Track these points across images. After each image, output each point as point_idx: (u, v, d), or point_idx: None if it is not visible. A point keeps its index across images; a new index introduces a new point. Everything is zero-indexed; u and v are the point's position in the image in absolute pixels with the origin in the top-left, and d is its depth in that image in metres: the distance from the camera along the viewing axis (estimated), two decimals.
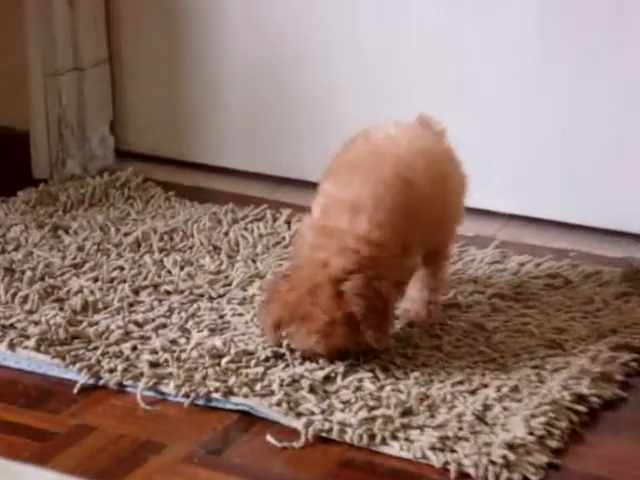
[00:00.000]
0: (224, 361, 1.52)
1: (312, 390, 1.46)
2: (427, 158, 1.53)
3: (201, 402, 1.46)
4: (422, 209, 1.50)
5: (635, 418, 1.44)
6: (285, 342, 1.52)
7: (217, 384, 1.46)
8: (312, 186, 2.07)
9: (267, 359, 1.53)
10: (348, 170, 1.52)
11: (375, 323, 1.45)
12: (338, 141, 2.08)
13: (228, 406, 1.45)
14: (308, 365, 1.50)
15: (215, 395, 1.45)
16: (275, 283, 1.51)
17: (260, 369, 1.50)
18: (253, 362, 1.51)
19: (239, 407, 1.44)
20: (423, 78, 1.95)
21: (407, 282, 1.55)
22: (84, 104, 2.12)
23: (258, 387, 1.46)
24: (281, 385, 1.46)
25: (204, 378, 1.48)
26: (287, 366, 1.51)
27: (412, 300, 1.59)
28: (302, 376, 1.48)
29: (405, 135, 1.55)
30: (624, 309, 1.65)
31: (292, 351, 1.52)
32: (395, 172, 1.49)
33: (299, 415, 1.41)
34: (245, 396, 1.45)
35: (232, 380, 1.47)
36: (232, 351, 1.53)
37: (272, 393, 1.45)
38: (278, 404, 1.43)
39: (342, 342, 1.47)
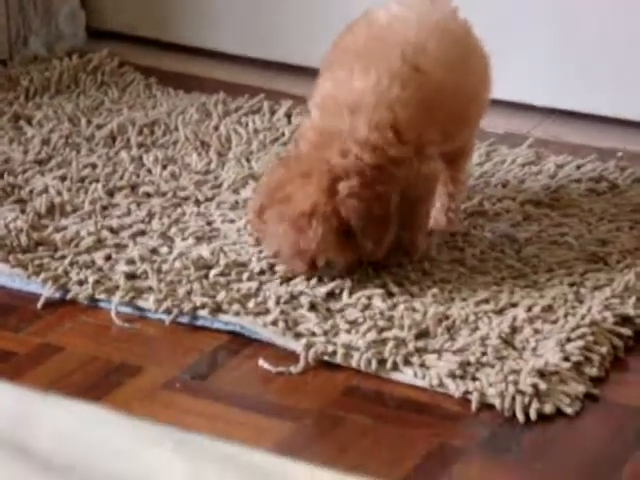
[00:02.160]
0: (212, 273, 1.51)
1: (313, 308, 1.45)
2: (440, 39, 1.50)
3: (185, 320, 1.45)
4: (436, 100, 1.47)
5: None
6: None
7: (204, 299, 1.46)
8: (316, 74, 2.06)
9: (262, 272, 1.52)
10: (348, 60, 1.49)
11: (373, 232, 1.44)
12: (345, 21, 2.05)
13: (216, 325, 1.44)
14: (309, 280, 1.49)
15: (201, 312, 1.45)
16: (270, 168, 1.50)
17: (254, 283, 1.49)
18: (246, 275, 1.51)
19: (229, 326, 1.44)
20: None
21: (432, 193, 1.52)
22: None
23: (251, 304, 1.45)
24: (277, 302, 1.46)
25: (189, 293, 1.47)
26: (285, 281, 1.50)
27: None
28: (302, 292, 1.48)
29: (413, 13, 1.51)
30: None
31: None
32: (402, 58, 1.46)
33: (298, 336, 1.40)
34: (236, 314, 1.44)
35: (221, 295, 1.46)
36: (221, 262, 1.52)
37: (267, 311, 1.44)
38: (274, 323, 1.42)
39: (317, 245, 1.44)
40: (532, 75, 1.92)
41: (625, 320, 1.43)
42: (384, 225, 1.45)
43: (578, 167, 1.77)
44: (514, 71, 1.89)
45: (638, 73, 1.86)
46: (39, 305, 1.48)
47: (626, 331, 1.42)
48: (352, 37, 1.52)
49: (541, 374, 1.33)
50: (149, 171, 1.76)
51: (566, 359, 1.36)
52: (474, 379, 1.34)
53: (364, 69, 1.47)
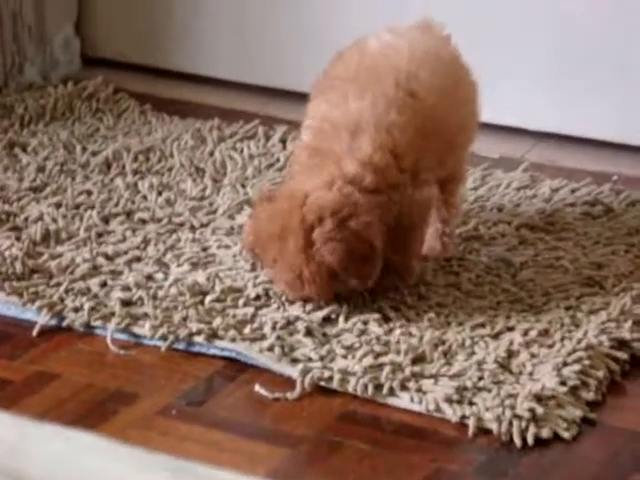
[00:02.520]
0: (208, 299, 1.51)
1: (309, 333, 1.45)
2: (432, 65, 1.51)
3: (181, 346, 1.45)
4: (431, 126, 1.48)
5: None
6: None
7: (200, 326, 1.46)
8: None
9: (257, 298, 1.52)
10: (341, 85, 1.50)
11: (357, 270, 1.44)
12: (339, 46, 2.06)
13: (212, 351, 1.44)
14: (305, 305, 1.49)
15: (197, 338, 1.45)
16: (258, 201, 1.51)
17: (249, 309, 1.49)
18: (241, 301, 1.51)
19: (225, 353, 1.44)
20: None
21: (426, 219, 1.53)
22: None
23: (247, 330, 1.45)
24: (274, 328, 1.46)
25: (184, 319, 1.47)
26: (281, 306, 1.50)
27: None
28: (298, 317, 1.48)
29: (404, 40, 1.52)
30: None
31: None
32: (396, 84, 1.47)
33: (294, 361, 1.40)
34: (232, 340, 1.44)
35: (217, 321, 1.46)
36: (217, 288, 1.52)
37: (263, 337, 1.44)
38: (270, 349, 1.42)
39: (317, 294, 1.47)
40: (526, 99, 1.93)
41: (621, 344, 1.43)
42: (368, 261, 1.44)
43: (573, 191, 1.78)
44: (508, 95, 1.90)
45: (631, 97, 1.87)
46: (34, 333, 1.48)
47: (622, 355, 1.42)
48: (343, 65, 1.52)
49: (538, 398, 1.33)
50: (144, 197, 1.76)
51: (563, 383, 1.36)
52: (471, 404, 1.34)
53: (359, 93, 1.47)
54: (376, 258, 1.45)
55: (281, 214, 1.46)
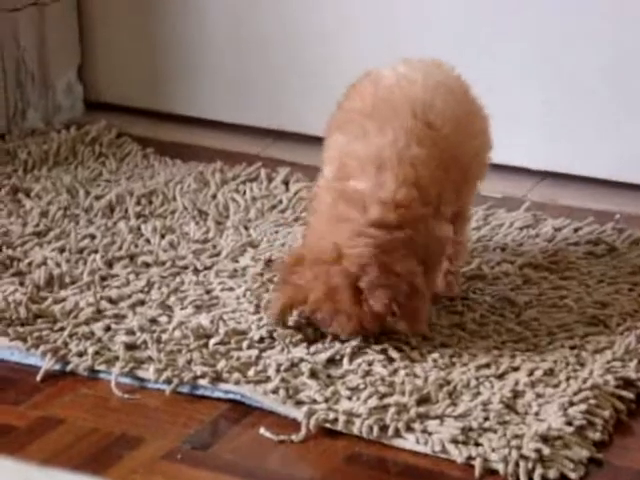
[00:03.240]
0: (212, 342, 1.51)
1: (314, 375, 1.45)
2: (445, 97, 1.52)
3: (185, 390, 1.45)
4: (449, 158, 1.48)
5: None
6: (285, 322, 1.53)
7: (204, 369, 1.46)
8: (313, 140, 2.07)
9: (261, 340, 1.52)
10: (359, 119, 1.50)
11: (406, 313, 1.44)
12: (340, 87, 2.07)
13: (216, 394, 1.44)
14: (309, 347, 1.49)
15: (202, 381, 1.45)
16: (288, 265, 1.50)
17: (254, 352, 1.49)
18: (245, 343, 1.51)
19: (229, 395, 1.44)
20: (438, 23, 1.94)
21: (443, 256, 1.53)
22: (46, 45, 2.11)
23: (251, 372, 1.45)
24: (278, 370, 1.46)
25: (189, 362, 1.47)
26: (285, 348, 1.50)
27: None
28: (302, 359, 1.48)
29: (418, 72, 1.53)
30: None
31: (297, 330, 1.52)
32: (413, 116, 1.48)
33: (299, 404, 1.40)
34: (236, 382, 1.44)
35: (221, 364, 1.46)
36: (221, 331, 1.53)
37: (268, 379, 1.44)
38: (274, 391, 1.42)
39: (375, 331, 1.48)
40: (527, 138, 1.94)
41: (627, 383, 1.43)
42: (413, 299, 1.44)
43: (576, 230, 1.78)
44: (510, 135, 1.90)
45: (632, 136, 1.88)
46: (38, 378, 1.48)
47: (628, 394, 1.42)
48: (359, 98, 1.53)
49: (544, 439, 1.33)
50: (147, 241, 1.77)
51: (569, 423, 1.36)
52: (477, 444, 1.33)
53: (378, 127, 1.48)
54: (420, 294, 1.45)
55: (321, 275, 1.45)
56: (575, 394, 1.40)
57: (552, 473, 1.30)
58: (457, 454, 1.33)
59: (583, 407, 1.38)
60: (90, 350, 1.50)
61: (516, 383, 1.43)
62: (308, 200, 1.71)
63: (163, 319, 1.57)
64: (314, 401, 1.41)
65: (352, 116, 1.52)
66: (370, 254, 1.43)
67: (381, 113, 1.49)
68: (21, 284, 1.64)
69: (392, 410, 1.38)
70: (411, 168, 1.45)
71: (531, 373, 1.45)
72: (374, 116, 1.49)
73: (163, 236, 1.78)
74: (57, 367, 1.49)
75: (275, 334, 1.52)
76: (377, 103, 1.50)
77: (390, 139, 1.46)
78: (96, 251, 1.73)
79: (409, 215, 1.45)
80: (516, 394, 1.41)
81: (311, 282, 1.46)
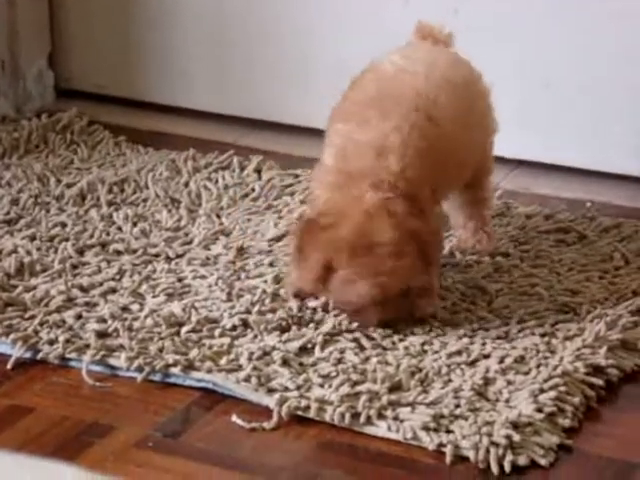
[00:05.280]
0: (184, 330, 1.51)
1: (286, 363, 1.45)
2: (449, 89, 1.53)
3: (157, 378, 1.45)
4: (450, 153, 1.50)
5: None
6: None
7: (176, 357, 1.46)
8: (286, 129, 2.08)
9: (234, 328, 1.52)
10: (362, 110, 1.50)
11: (433, 255, 1.47)
12: (314, 77, 2.07)
13: (188, 382, 1.44)
14: (281, 335, 1.50)
15: (173, 370, 1.45)
16: (307, 224, 1.48)
17: (226, 340, 1.49)
18: (217, 332, 1.51)
19: (201, 384, 1.44)
20: (417, 9, 1.94)
21: (442, 250, 1.55)
22: (17, 33, 2.10)
23: (223, 361, 1.45)
24: (250, 358, 1.46)
25: (160, 350, 1.47)
26: (257, 336, 1.50)
27: (459, 227, 1.65)
28: (274, 347, 1.48)
29: (419, 64, 1.55)
30: None
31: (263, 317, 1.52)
32: (416, 109, 1.49)
33: (271, 391, 1.41)
34: (208, 371, 1.44)
35: (193, 352, 1.46)
36: (193, 319, 1.53)
37: (240, 367, 1.44)
38: (246, 379, 1.42)
39: (407, 280, 1.45)
40: (501, 127, 1.94)
41: (597, 370, 1.44)
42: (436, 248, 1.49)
43: (547, 218, 1.79)
44: None
45: (604, 125, 1.89)
46: (9, 366, 1.47)
47: (598, 381, 1.43)
48: (362, 90, 1.54)
49: (515, 426, 1.34)
50: (119, 229, 1.76)
51: (539, 410, 1.37)
52: (448, 431, 1.34)
53: (381, 116, 1.48)
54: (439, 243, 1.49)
55: (347, 209, 1.45)
56: (545, 381, 1.41)
57: (522, 459, 1.31)
58: (428, 441, 1.33)
59: (553, 394, 1.39)
60: (61, 338, 1.50)
61: (487, 370, 1.44)
62: (308, 188, 1.70)
63: (135, 307, 1.57)
64: (286, 389, 1.41)
65: (355, 107, 1.52)
66: (396, 193, 1.44)
67: (384, 105, 1.49)
68: None
69: (364, 397, 1.38)
70: (411, 158, 1.46)
71: (502, 360, 1.46)
72: (376, 108, 1.49)
73: (135, 224, 1.77)
74: (28, 355, 1.49)
75: (250, 321, 1.52)
76: (380, 96, 1.50)
77: (393, 127, 1.47)
78: (67, 239, 1.72)
79: (417, 192, 1.46)
80: (487, 381, 1.42)
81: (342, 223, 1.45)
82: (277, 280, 1.60)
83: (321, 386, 1.41)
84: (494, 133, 1.65)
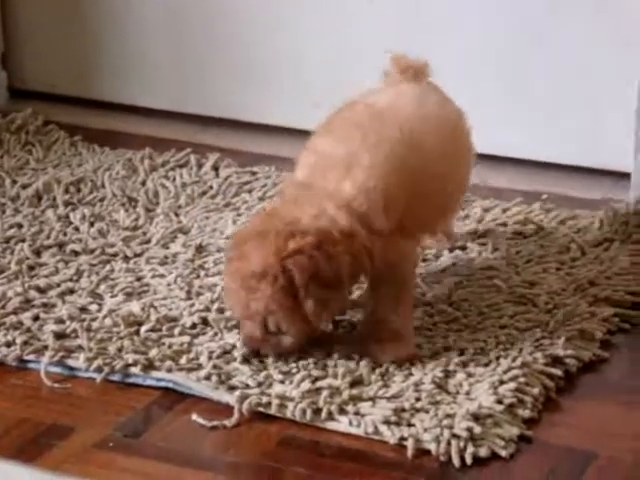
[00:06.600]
0: (143, 329, 1.50)
1: (246, 360, 1.45)
2: (435, 126, 1.51)
3: (117, 378, 1.44)
4: (430, 187, 1.47)
5: (617, 381, 1.45)
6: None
7: (135, 356, 1.45)
8: (243, 126, 2.07)
9: (193, 326, 1.52)
10: (347, 128, 1.47)
11: (317, 291, 1.40)
12: (272, 74, 2.07)
13: (148, 382, 1.44)
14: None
15: (133, 369, 1.44)
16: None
17: (185, 338, 1.49)
18: (177, 330, 1.50)
19: (161, 383, 1.43)
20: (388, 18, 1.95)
21: (414, 279, 1.51)
22: None
23: (183, 360, 1.45)
24: (210, 357, 1.45)
25: (120, 350, 1.47)
26: (217, 334, 1.50)
27: None
28: (234, 346, 1.47)
29: (410, 99, 1.53)
30: (604, 258, 1.67)
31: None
32: (400, 139, 1.46)
33: (232, 389, 1.40)
34: (168, 370, 1.43)
35: (153, 352, 1.46)
36: (152, 318, 1.52)
37: (200, 366, 1.44)
38: (207, 378, 1.42)
39: (266, 305, 1.41)
40: None
41: (555, 360, 1.45)
42: (331, 287, 1.40)
43: (504, 210, 1.80)
44: None
45: (559, 117, 1.90)
46: None
47: (556, 371, 1.44)
48: (351, 112, 1.50)
49: (475, 417, 1.34)
50: (76, 229, 1.75)
51: (499, 402, 1.37)
52: (409, 425, 1.34)
53: (363, 136, 1.45)
54: (341, 289, 1.41)
55: (269, 218, 1.42)
56: (505, 372, 1.41)
57: (483, 451, 1.32)
58: (390, 435, 1.34)
59: (513, 385, 1.39)
60: (19, 340, 1.48)
61: (447, 363, 1.44)
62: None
63: (93, 307, 1.56)
64: (247, 386, 1.41)
65: (340, 124, 1.49)
66: (320, 228, 1.40)
67: (370, 127, 1.46)
68: None
69: (325, 393, 1.38)
70: (380, 179, 1.42)
71: (462, 353, 1.46)
72: (361, 128, 1.46)
73: (92, 224, 1.76)
74: None
75: (210, 319, 1.51)
76: (369, 119, 1.47)
77: (368, 146, 1.44)
78: (24, 240, 1.71)
79: (364, 223, 1.41)
80: (447, 374, 1.42)
81: (249, 238, 1.42)
82: None
83: (282, 382, 1.41)
84: (470, 172, 1.62)
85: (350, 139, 1.45)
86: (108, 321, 1.52)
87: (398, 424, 1.34)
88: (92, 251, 1.69)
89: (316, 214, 1.41)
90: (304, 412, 1.37)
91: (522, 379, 1.40)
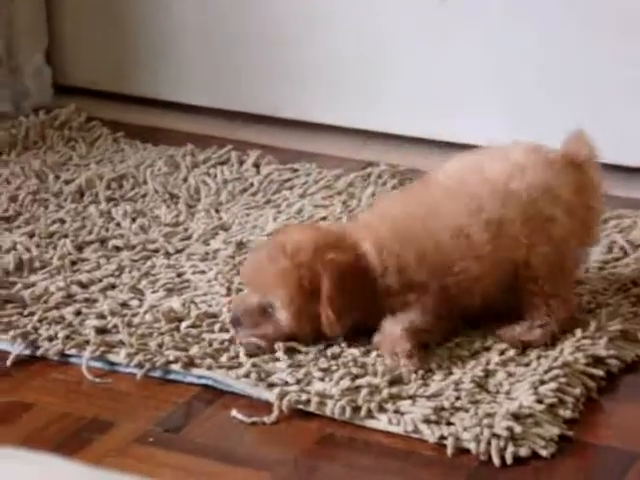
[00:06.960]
0: (183, 325, 1.51)
1: (286, 357, 1.44)
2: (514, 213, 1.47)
3: (157, 374, 1.45)
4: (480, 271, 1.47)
5: None
6: None
7: (176, 353, 1.45)
8: (285, 123, 2.07)
9: None
10: (428, 189, 1.49)
11: (339, 302, 1.43)
12: (312, 72, 2.07)
13: (188, 379, 1.44)
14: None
15: (174, 367, 1.44)
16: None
17: (225, 335, 1.49)
18: (217, 327, 1.51)
19: (201, 380, 1.43)
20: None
21: None
22: (14, 29, 2.09)
23: (224, 358, 1.45)
24: (249, 355, 1.45)
25: (160, 346, 1.47)
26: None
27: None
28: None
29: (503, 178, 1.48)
30: None
31: None
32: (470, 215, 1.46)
33: (271, 386, 1.40)
34: (209, 368, 1.43)
35: (194, 350, 1.46)
36: (192, 314, 1.52)
37: (239, 365, 1.44)
38: (246, 376, 1.42)
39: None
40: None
41: (597, 361, 1.44)
42: (353, 301, 1.43)
43: None
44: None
45: (600, 115, 1.88)
46: (8, 363, 1.47)
47: (598, 372, 1.43)
48: (442, 176, 1.50)
49: (516, 417, 1.34)
50: (118, 225, 1.76)
51: (540, 401, 1.36)
52: (449, 424, 1.34)
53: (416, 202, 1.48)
54: (357, 307, 1.44)
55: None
56: (546, 372, 1.41)
57: (523, 451, 1.31)
58: (429, 434, 1.33)
59: (554, 385, 1.38)
60: (60, 334, 1.49)
61: (488, 362, 1.43)
62: None
63: (134, 303, 1.56)
64: (286, 383, 1.40)
65: (426, 183, 1.50)
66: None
67: (436, 197, 1.48)
68: None
69: (364, 391, 1.38)
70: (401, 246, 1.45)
71: (502, 353, 1.45)
72: (445, 194, 1.47)
73: (134, 220, 1.77)
74: (27, 352, 1.49)
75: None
76: (452, 188, 1.47)
77: (411, 210, 1.47)
78: (66, 235, 1.72)
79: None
80: (487, 373, 1.42)
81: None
82: None
83: (321, 380, 1.41)
84: None
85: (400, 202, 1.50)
86: (149, 317, 1.52)
87: (438, 423, 1.34)
88: (134, 247, 1.70)
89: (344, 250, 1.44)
90: (343, 410, 1.36)
91: (563, 379, 1.39)
